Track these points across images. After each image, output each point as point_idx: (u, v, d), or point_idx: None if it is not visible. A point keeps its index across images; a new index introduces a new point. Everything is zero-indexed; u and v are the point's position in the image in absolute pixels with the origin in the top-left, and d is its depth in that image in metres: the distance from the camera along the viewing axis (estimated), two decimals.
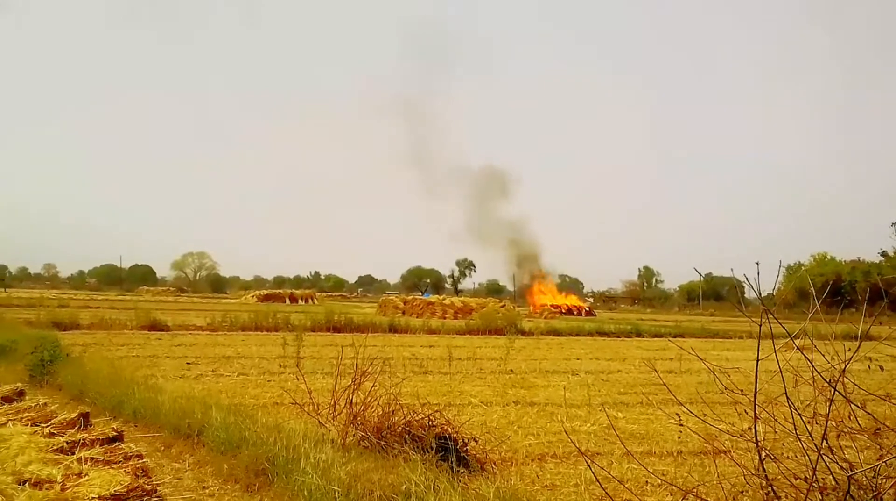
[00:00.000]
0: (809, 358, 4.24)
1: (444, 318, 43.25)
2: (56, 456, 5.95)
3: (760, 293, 4.25)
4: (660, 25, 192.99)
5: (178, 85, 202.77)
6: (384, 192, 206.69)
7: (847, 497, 3.90)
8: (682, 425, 5.70)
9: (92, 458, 5.95)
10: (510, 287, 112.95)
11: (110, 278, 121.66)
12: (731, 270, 4.86)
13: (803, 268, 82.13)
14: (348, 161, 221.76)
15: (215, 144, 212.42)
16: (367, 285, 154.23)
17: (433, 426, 6.91)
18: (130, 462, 5.93)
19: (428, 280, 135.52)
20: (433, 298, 56.32)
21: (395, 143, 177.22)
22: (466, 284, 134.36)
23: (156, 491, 5.52)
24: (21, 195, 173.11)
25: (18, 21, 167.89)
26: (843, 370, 4.07)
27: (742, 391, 4.56)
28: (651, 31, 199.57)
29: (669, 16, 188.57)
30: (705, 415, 5.39)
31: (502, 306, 47.75)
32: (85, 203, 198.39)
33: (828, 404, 4.04)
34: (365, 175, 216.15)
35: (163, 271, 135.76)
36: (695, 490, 4.64)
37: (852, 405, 4.23)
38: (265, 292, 79.78)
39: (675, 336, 29.53)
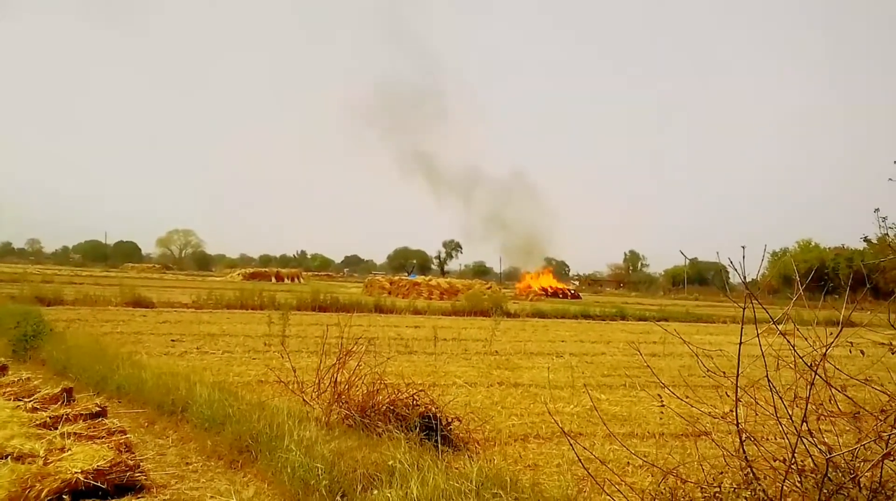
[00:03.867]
0: (792, 343, 4.27)
1: (430, 299, 43.28)
2: (39, 431, 5.94)
3: (745, 278, 4.27)
4: (652, 17, 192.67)
5: (167, 65, 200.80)
6: (372, 172, 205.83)
7: (825, 480, 3.94)
8: (664, 407, 5.75)
9: (75, 433, 5.94)
10: (497, 269, 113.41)
11: (95, 254, 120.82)
12: (717, 254, 4.87)
13: (788, 254, 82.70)
14: (336, 141, 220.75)
15: (202, 121, 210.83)
16: (354, 265, 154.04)
17: (417, 405, 6.94)
18: (113, 438, 5.92)
19: (414, 261, 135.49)
20: (419, 278, 56.32)
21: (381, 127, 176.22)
22: (453, 265, 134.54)
23: (139, 467, 5.52)
24: (5, 170, 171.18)
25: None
26: (825, 355, 4.11)
27: (724, 374, 4.60)
28: (640, 19, 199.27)
29: (660, 9, 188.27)
30: (687, 397, 5.43)
31: (488, 288, 47.80)
32: (70, 178, 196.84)
33: (808, 388, 4.08)
34: (352, 155, 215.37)
35: (148, 247, 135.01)
36: (675, 470, 4.68)
37: (833, 389, 4.27)
38: (251, 270, 79.47)
39: (659, 320, 29.69)
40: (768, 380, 4.22)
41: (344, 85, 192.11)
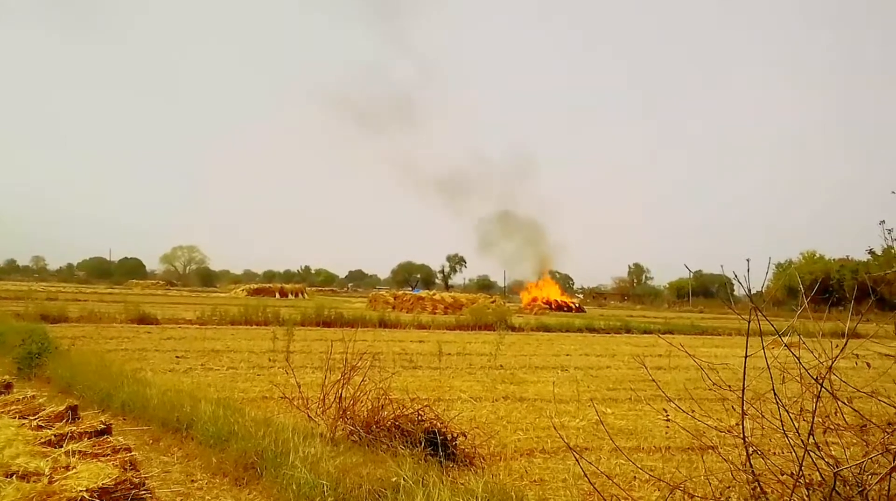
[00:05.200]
0: (797, 355, 4.26)
1: (435, 313, 43.21)
2: (44, 449, 5.93)
3: (750, 291, 4.27)
4: (655, 25, 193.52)
5: (168, 81, 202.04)
6: (375, 186, 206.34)
7: (833, 493, 3.92)
8: (670, 420, 5.73)
9: (80, 451, 5.93)
10: (501, 283, 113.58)
11: (99, 271, 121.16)
12: (721, 267, 4.88)
13: (792, 266, 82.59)
14: (337, 155, 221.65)
15: (206, 138, 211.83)
16: (358, 279, 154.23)
17: (422, 420, 6.92)
18: (119, 455, 5.91)
19: (418, 275, 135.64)
20: (423, 293, 56.29)
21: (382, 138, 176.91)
22: (457, 279, 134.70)
23: (144, 485, 5.50)
24: (9, 187, 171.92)
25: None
26: (830, 367, 4.10)
27: (730, 387, 4.59)
28: (644, 29, 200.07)
29: (664, 16, 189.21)
30: (693, 411, 5.42)
31: (492, 302, 47.78)
32: (74, 195, 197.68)
33: (815, 400, 4.07)
34: (355, 169, 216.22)
35: (152, 264, 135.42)
36: (682, 485, 4.66)
37: (839, 402, 4.26)
38: (255, 286, 79.64)
39: (664, 333, 29.63)
40: (774, 393, 4.21)
41: (337, 87, 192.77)
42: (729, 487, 4.56)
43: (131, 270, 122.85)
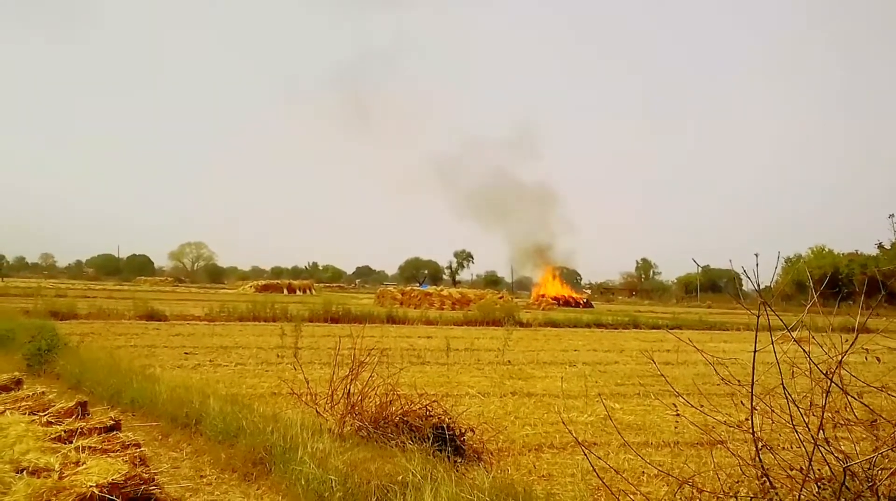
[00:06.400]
0: (806, 350, 4.23)
1: (442, 309, 43.25)
2: (54, 445, 5.96)
3: (758, 285, 4.24)
4: (658, 19, 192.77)
5: (177, 75, 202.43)
6: (381, 183, 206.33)
7: (842, 489, 3.90)
8: (678, 415, 5.71)
9: (89, 447, 5.95)
10: (508, 278, 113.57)
11: (108, 268, 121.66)
12: (730, 261, 4.85)
13: (802, 260, 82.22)
14: (343, 151, 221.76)
15: (213, 134, 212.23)
16: (365, 275, 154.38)
17: (430, 416, 6.92)
18: (128, 451, 5.93)
19: (426, 271, 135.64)
20: (431, 289, 56.30)
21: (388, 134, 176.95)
22: (464, 275, 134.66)
23: (153, 480, 5.52)
24: (19, 184, 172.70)
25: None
26: (840, 362, 4.07)
27: (739, 382, 4.56)
28: (647, 23, 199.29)
29: (669, 10, 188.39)
30: (702, 406, 5.39)
31: (500, 298, 47.73)
32: (83, 193, 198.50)
33: (824, 395, 4.04)
34: (361, 165, 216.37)
35: (160, 261, 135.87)
36: (691, 480, 4.64)
37: (849, 397, 4.23)
38: (263, 282, 79.62)
39: (672, 328, 29.53)
40: (784, 388, 4.18)
41: (339, 84, 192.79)
42: (738, 482, 4.54)
43: (140, 267, 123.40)
